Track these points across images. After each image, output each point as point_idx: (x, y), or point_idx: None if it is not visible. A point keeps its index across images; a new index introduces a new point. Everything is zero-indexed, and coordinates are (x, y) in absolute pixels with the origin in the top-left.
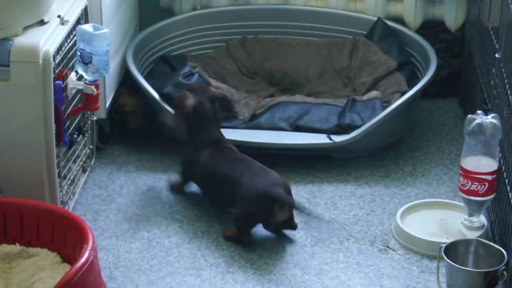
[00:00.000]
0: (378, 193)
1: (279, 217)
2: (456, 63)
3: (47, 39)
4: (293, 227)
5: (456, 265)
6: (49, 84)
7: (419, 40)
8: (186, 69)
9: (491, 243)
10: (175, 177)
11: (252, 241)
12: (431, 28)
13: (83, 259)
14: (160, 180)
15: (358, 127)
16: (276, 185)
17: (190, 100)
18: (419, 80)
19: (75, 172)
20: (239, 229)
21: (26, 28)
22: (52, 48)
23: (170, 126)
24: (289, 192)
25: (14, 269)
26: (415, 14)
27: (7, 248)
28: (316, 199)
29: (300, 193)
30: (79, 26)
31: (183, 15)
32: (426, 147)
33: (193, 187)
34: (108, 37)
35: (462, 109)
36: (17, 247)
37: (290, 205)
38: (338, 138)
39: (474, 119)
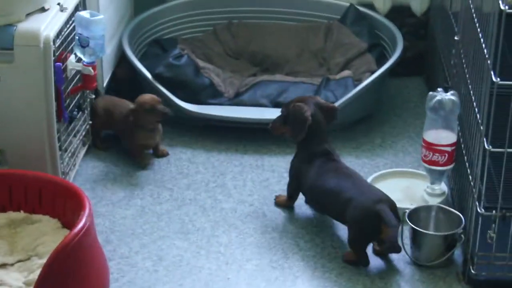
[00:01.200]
0: (350, 163)
1: (386, 233)
2: (422, 45)
3: (47, 25)
4: (397, 249)
5: (419, 229)
6: (49, 66)
7: (387, 24)
8: (176, 51)
9: (450, 209)
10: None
11: (368, 260)
12: (399, 13)
13: (80, 225)
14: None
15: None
16: (381, 202)
17: (308, 111)
18: (388, 61)
19: (75, 146)
20: (356, 250)
21: (28, 15)
22: (52, 33)
23: (277, 134)
24: (394, 208)
25: (19, 234)
26: (384, 0)
27: (12, 215)
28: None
29: (280, 163)
30: (77, 12)
31: (174, 2)
32: (394, 121)
33: (185, 161)
34: (104, 23)
35: (427, 86)
36: (21, 214)
37: (390, 224)
38: None
39: (435, 96)
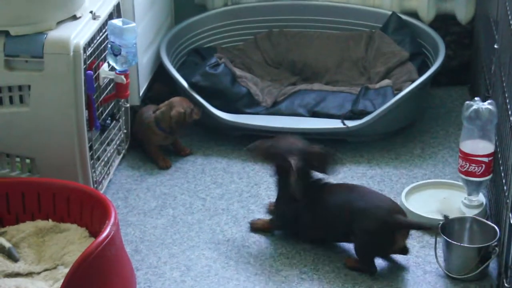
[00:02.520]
0: (387, 174)
1: (399, 243)
2: (466, 54)
3: (78, 33)
4: (406, 251)
5: (452, 241)
6: (79, 74)
7: (430, 32)
8: (213, 60)
9: (485, 220)
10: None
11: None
12: (443, 22)
13: (104, 234)
14: (187, 161)
15: (370, 113)
16: (395, 212)
17: (294, 162)
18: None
19: (109, 154)
20: (364, 260)
21: (59, 23)
22: (82, 41)
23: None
24: (403, 213)
25: (47, 243)
26: (428, 9)
27: (41, 223)
28: (330, 179)
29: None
30: (109, 21)
31: (215, 10)
32: (435, 131)
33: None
34: (136, 31)
35: (471, 96)
36: (50, 223)
37: (413, 228)
38: (351, 123)
39: (471, 105)
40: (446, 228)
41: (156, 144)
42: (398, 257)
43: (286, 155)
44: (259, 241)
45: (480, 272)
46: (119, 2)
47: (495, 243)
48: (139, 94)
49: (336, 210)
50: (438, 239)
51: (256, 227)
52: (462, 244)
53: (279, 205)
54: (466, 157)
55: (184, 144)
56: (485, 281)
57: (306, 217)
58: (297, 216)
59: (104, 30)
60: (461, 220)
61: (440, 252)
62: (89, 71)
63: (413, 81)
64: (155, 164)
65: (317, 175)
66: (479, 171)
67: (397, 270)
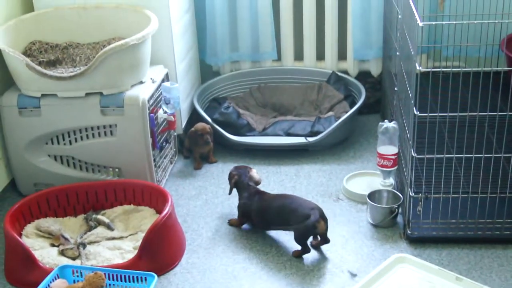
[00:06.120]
0: (334, 169)
1: (321, 228)
2: (378, 94)
3: (143, 91)
4: (327, 240)
5: (375, 204)
6: (146, 116)
7: (355, 82)
8: (225, 104)
9: (394, 191)
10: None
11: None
12: (363, 75)
13: (164, 212)
14: (213, 166)
15: (322, 132)
16: (314, 209)
17: (234, 178)
18: (356, 105)
19: (165, 164)
20: (301, 244)
21: (132, 85)
22: (146, 96)
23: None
24: (322, 211)
25: (130, 219)
26: (353, 68)
27: (126, 207)
28: (299, 173)
29: (291, 170)
30: (162, 83)
31: (225, 75)
32: (361, 142)
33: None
34: (178, 89)
35: (382, 119)
36: (131, 206)
37: (323, 218)
38: (311, 139)
39: (383, 124)
40: (371, 197)
41: (198, 151)
42: (341, 218)
43: (233, 176)
44: None
45: (392, 221)
46: (167, 72)
47: (399, 203)
48: (182, 126)
49: (278, 210)
50: (367, 204)
51: (230, 224)
52: (380, 205)
53: (239, 208)
54: (381, 156)
55: (213, 156)
56: (395, 230)
57: (256, 215)
58: (251, 214)
59: (159, 89)
60: (380, 191)
61: (368, 214)
62: (151, 114)
63: (347, 112)
64: (193, 164)
65: (256, 187)
66: (390, 164)
67: (343, 226)
